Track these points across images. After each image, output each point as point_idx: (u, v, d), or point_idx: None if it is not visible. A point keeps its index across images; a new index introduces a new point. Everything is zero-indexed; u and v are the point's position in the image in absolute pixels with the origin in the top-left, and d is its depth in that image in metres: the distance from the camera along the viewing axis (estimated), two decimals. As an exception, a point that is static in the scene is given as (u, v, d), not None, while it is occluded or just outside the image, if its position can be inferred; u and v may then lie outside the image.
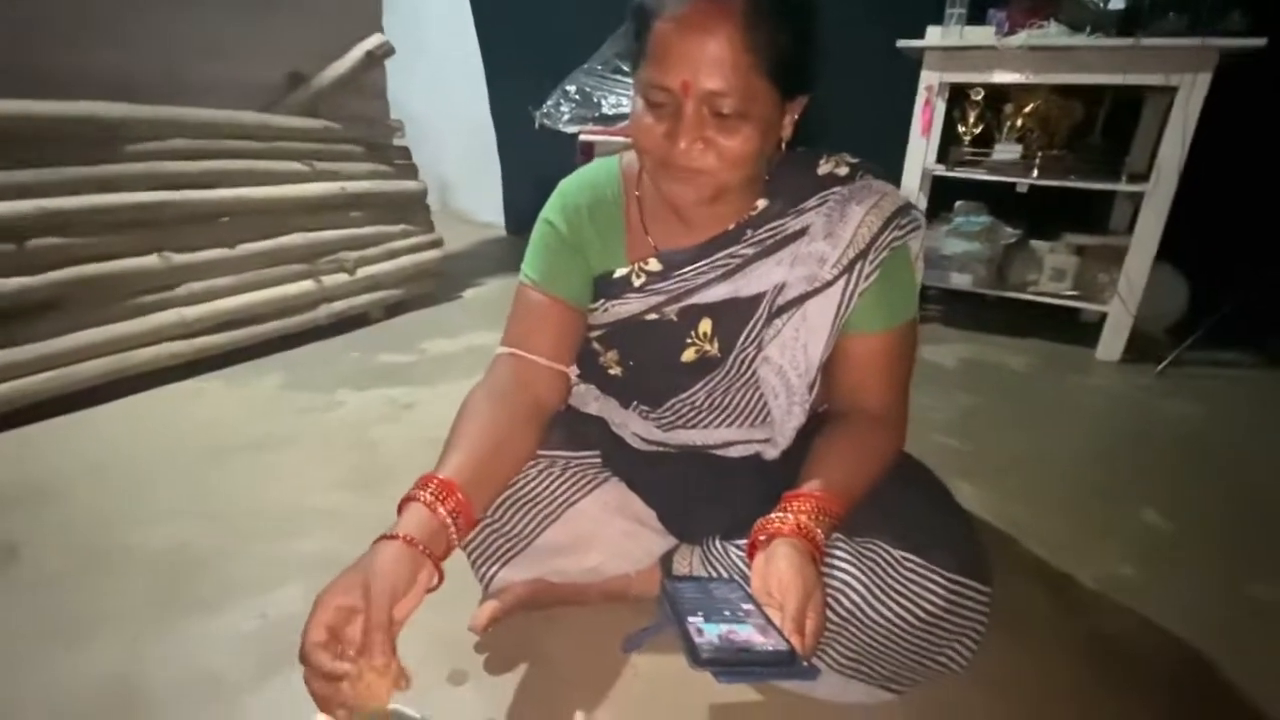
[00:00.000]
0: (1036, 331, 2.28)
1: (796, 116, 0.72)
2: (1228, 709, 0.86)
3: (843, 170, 0.79)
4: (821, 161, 0.80)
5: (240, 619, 0.93)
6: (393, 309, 2.32)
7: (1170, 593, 1.06)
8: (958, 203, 2.38)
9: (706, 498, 0.87)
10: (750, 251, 0.78)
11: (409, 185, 2.44)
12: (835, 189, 0.77)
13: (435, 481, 0.65)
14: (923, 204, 2.37)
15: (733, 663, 0.58)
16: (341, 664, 0.53)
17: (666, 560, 0.90)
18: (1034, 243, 2.27)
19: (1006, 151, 2.14)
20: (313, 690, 0.55)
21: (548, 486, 0.86)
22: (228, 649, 0.88)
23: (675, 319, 0.81)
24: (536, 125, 2.66)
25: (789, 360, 0.79)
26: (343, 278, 2.13)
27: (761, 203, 0.78)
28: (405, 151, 2.47)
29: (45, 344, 1.50)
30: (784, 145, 0.74)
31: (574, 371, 0.87)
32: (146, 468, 1.32)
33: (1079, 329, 2.28)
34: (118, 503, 1.19)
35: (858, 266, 0.75)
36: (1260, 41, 1.72)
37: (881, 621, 0.70)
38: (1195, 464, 1.52)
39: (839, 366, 0.80)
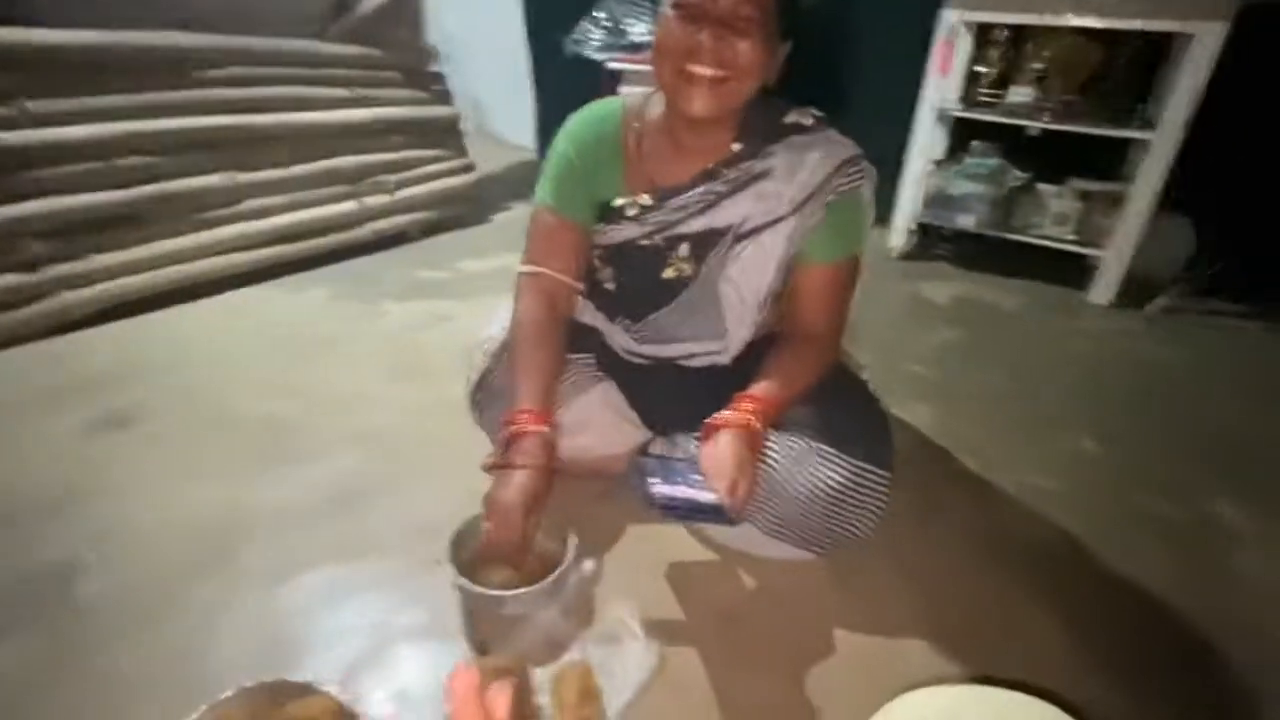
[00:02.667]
0: (1038, 274, 2.33)
1: (780, 62, 0.86)
2: (1102, 596, 1.05)
3: (807, 121, 0.94)
4: (790, 113, 0.94)
5: (316, 471, 1.21)
6: (429, 229, 2.51)
7: (1080, 504, 1.23)
8: (974, 143, 2.42)
9: (675, 400, 1.07)
10: (724, 189, 0.94)
11: (443, 111, 2.57)
12: (797, 136, 0.92)
13: (528, 413, 0.89)
14: (939, 142, 2.42)
15: (676, 507, 0.81)
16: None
17: (641, 450, 1.12)
18: (1040, 186, 2.31)
19: (1020, 94, 2.16)
20: (506, 555, 0.86)
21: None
22: (306, 490, 1.15)
23: (661, 244, 0.98)
24: (566, 52, 2.74)
25: (745, 280, 0.97)
26: (384, 199, 2.32)
27: (735, 146, 0.93)
28: (441, 77, 2.59)
29: (128, 251, 1.75)
30: (767, 89, 0.87)
31: (581, 286, 1.05)
32: (233, 354, 1.60)
33: (1082, 274, 2.33)
34: (211, 380, 1.48)
35: (808, 205, 0.91)
36: (1282, -10, 1.71)
37: (795, 494, 0.91)
38: (1150, 403, 1.64)
39: (792, 291, 0.98)
